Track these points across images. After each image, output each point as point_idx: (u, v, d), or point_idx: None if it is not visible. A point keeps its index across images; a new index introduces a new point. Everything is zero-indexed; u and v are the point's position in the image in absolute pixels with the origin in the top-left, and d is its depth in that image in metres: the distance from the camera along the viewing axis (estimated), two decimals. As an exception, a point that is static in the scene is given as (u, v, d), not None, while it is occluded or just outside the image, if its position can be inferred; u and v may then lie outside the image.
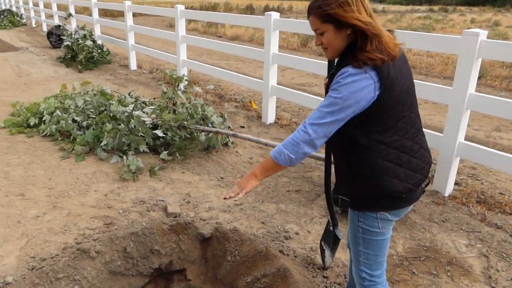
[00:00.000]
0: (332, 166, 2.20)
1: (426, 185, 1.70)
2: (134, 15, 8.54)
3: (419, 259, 2.65)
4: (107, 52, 9.30)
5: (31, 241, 2.69)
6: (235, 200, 1.64)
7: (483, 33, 3.01)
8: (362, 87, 1.44)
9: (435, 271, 2.55)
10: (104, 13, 21.21)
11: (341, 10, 1.46)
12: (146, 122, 3.93)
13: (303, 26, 4.56)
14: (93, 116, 4.50)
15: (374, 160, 1.55)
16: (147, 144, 4.06)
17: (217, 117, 4.46)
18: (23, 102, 5.73)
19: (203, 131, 4.06)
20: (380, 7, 41.36)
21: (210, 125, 4.28)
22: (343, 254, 2.67)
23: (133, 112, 4.06)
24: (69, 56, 8.88)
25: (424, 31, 16.58)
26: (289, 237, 2.84)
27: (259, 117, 5.50)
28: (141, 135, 4.03)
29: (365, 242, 1.69)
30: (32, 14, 16.97)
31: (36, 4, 16.46)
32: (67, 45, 8.75)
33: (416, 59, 10.31)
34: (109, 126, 4.08)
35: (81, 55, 8.45)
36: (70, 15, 11.31)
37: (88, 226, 2.87)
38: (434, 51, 3.76)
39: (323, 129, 1.49)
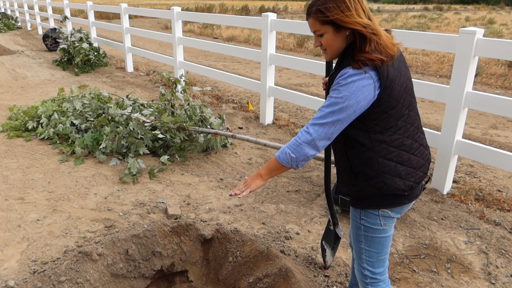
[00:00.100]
0: (333, 166, 2.22)
1: (426, 182, 1.72)
2: (130, 17, 8.51)
3: (419, 257, 2.67)
4: (103, 55, 9.29)
5: (32, 244, 2.69)
6: (238, 198, 1.66)
7: (479, 31, 3.03)
8: (362, 87, 1.45)
9: (435, 269, 2.56)
10: (99, 15, 21.21)
11: (340, 13, 1.47)
12: (146, 125, 3.93)
13: (300, 27, 4.58)
14: (92, 119, 4.50)
15: (375, 159, 1.57)
16: (146, 146, 4.06)
17: (215, 118, 4.47)
18: (20, 105, 5.73)
19: (202, 132, 4.07)
20: (375, 6, 41.48)
21: (208, 126, 4.28)
22: (343, 253, 2.69)
23: (132, 114, 4.06)
24: (65, 59, 8.87)
25: (420, 29, 16.65)
26: (290, 237, 2.85)
27: (257, 118, 5.52)
28: (140, 138, 4.03)
29: (367, 240, 1.70)
30: (27, 17, 16.93)
31: (31, 7, 16.42)
32: (63, 48, 8.74)
33: (412, 58, 10.35)
34: (107, 129, 4.08)
35: (77, 58, 8.44)
36: (65, 18, 11.29)
37: (89, 229, 2.87)
38: (431, 50, 3.78)
39: (324, 129, 1.50)
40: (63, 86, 7.18)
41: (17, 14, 18.60)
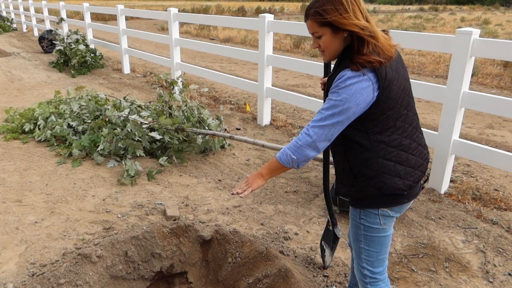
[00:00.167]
0: (331, 167, 2.22)
1: (425, 181, 1.74)
2: (126, 18, 8.51)
3: (418, 256, 2.68)
4: (100, 57, 9.28)
5: (30, 247, 2.68)
6: (240, 197, 1.68)
7: (475, 32, 3.06)
8: (361, 89, 1.46)
9: (434, 268, 2.58)
10: (95, 17, 21.15)
11: (338, 16, 1.48)
12: (143, 126, 3.93)
13: (297, 28, 4.59)
14: (89, 121, 4.49)
15: (374, 159, 1.58)
16: (144, 148, 4.06)
17: (213, 119, 4.47)
18: (17, 107, 5.71)
19: (200, 133, 4.07)
20: (371, 7, 41.61)
21: (206, 127, 4.28)
22: (342, 253, 2.69)
23: (129, 116, 4.06)
24: (62, 60, 8.85)
25: (415, 30, 16.72)
26: (289, 237, 2.85)
27: (254, 119, 5.52)
28: (137, 140, 4.03)
29: (366, 239, 1.71)
30: (23, 19, 16.87)
31: (27, 9, 16.37)
32: (60, 50, 8.71)
33: (408, 58, 10.40)
34: (105, 130, 4.07)
35: (74, 59, 8.42)
36: (62, 19, 11.26)
37: (87, 231, 2.87)
38: (428, 50, 3.80)
39: (324, 131, 1.51)
40: (60, 88, 7.16)
41: (12, 15, 18.53)
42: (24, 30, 16.90)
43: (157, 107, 4.42)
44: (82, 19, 10.35)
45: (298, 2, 49.87)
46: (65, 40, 8.76)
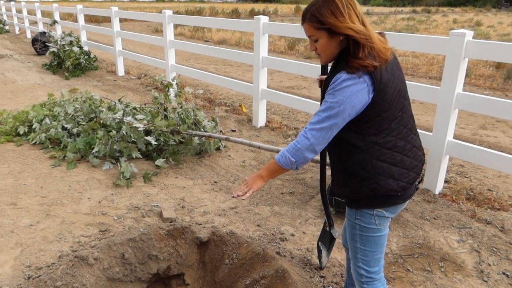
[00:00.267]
0: (328, 168, 2.24)
1: (419, 182, 1.76)
2: (120, 20, 8.49)
3: (413, 256, 2.70)
4: (94, 59, 9.24)
5: (25, 250, 2.67)
6: (242, 199, 1.71)
7: (469, 34, 3.09)
8: (356, 91, 1.48)
9: (429, 268, 2.60)
10: (88, 19, 21.06)
11: (334, 19, 1.50)
12: (139, 129, 3.92)
13: (292, 30, 4.61)
14: (83, 123, 4.47)
15: (369, 160, 1.60)
16: (139, 150, 4.05)
17: (208, 121, 4.47)
18: (10, 110, 5.67)
19: (195, 135, 4.07)
20: (364, 9, 41.85)
21: (202, 129, 4.29)
22: (339, 254, 2.71)
23: (124, 118, 4.05)
24: (55, 63, 8.81)
25: (409, 32, 16.84)
26: (285, 238, 2.86)
27: (249, 121, 5.53)
28: (133, 141, 4.02)
29: (362, 239, 1.73)
30: (16, 21, 16.76)
31: (19, 11, 16.27)
32: (53, 52, 8.67)
33: (402, 60, 10.47)
34: (100, 133, 4.06)
35: (67, 61, 8.38)
36: (55, 21, 11.20)
37: (83, 233, 2.86)
38: (422, 52, 3.84)
39: (322, 134, 1.53)
40: (54, 90, 7.12)
41: (5, 17, 18.41)
42: (17, 32, 16.80)
43: (152, 109, 4.42)
44: (76, 21, 10.29)
45: (292, 4, 50.06)
46: (59, 42, 8.72)
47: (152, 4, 48.96)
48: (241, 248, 2.47)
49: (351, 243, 1.80)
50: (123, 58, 8.80)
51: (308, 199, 3.46)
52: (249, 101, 6.62)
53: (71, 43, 8.70)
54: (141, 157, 4.07)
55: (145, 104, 4.75)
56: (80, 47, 8.86)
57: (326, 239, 2.37)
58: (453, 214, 3.20)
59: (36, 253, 2.63)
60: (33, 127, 4.63)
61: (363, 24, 1.54)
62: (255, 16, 4.96)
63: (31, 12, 16.17)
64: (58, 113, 4.69)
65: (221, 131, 4.72)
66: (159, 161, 3.91)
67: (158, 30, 17.76)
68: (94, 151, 4.04)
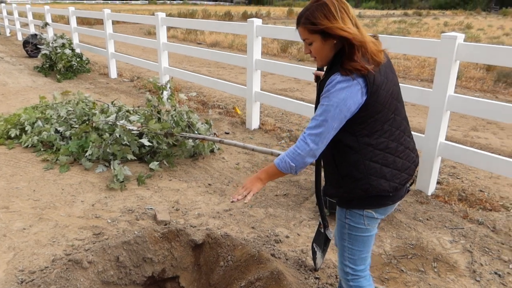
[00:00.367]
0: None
1: (411, 184, 1.78)
2: (112, 23, 8.46)
3: (407, 257, 2.72)
4: (86, 61, 9.20)
5: (18, 254, 2.65)
6: (245, 203, 1.73)
7: (460, 37, 3.13)
8: (351, 93, 1.51)
9: (423, 268, 2.62)
10: (80, 21, 20.96)
11: (327, 22, 1.53)
12: (133, 132, 3.91)
13: (285, 32, 4.63)
14: (76, 126, 4.45)
15: (361, 161, 1.62)
16: (133, 152, 4.04)
17: (202, 124, 4.47)
18: (2, 113, 5.62)
19: (189, 138, 4.07)
20: (356, 11, 42.11)
21: (196, 132, 4.28)
22: (333, 255, 2.72)
23: (117, 121, 4.03)
24: (47, 65, 8.75)
25: (400, 34, 16.98)
26: (280, 240, 2.87)
27: (243, 123, 5.54)
28: (126, 144, 4.00)
29: (350, 238, 1.76)
30: (6, 23, 16.62)
31: (10, 13, 16.13)
32: (45, 54, 8.61)
33: (394, 62, 10.56)
34: (94, 135, 4.04)
35: (59, 64, 8.33)
36: (46, 24, 11.13)
37: (77, 237, 2.84)
38: (414, 55, 3.88)
39: (321, 138, 1.56)
40: (45, 93, 7.07)
41: (-5, 20, 18.24)
42: (8, 34, 16.66)
43: (146, 111, 4.41)
44: (67, 23, 10.23)
45: (284, 7, 50.25)
46: (51, 44, 8.67)
47: (144, 7, 48.85)
48: (236, 250, 2.47)
49: (339, 241, 1.84)
50: (116, 60, 8.77)
51: (302, 201, 3.47)
52: (242, 103, 6.63)
53: (63, 45, 8.65)
54: (135, 159, 4.06)
55: (138, 107, 4.74)
56: (72, 50, 8.82)
57: (321, 241, 2.39)
58: (446, 215, 3.23)
59: (29, 257, 2.61)
60: (26, 129, 4.59)
61: (357, 27, 1.56)
62: (248, 19, 4.97)
63: (22, 14, 16.07)
64: (51, 116, 4.66)
65: (215, 133, 4.72)
66: (153, 164, 3.90)
67: (150, 33, 17.72)
68: (87, 154, 4.02)
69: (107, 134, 4.05)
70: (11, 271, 2.46)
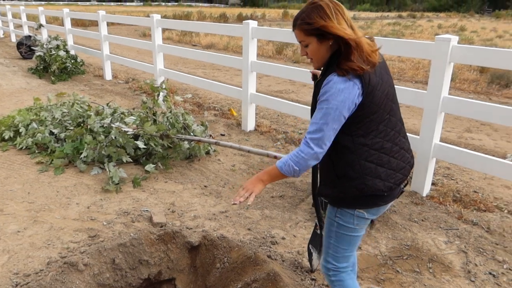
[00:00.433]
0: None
1: (405, 185, 1.80)
2: (107, 24, 8.43)
3: (402, 258, 2.74)
4: (81, 63, 9.16)
5: (13, 257, 2.63)
6: (248, 205, 1.73)
7: (454, 39, 3.16)
8: (348, 94, 1.53)
9: (418, 269, 2.63)
10: (75, 22, 20.88)
11: (322, 23, 1.55)
12: (128, 133, 3.90)
13: (280, 34, 4.64)
14: (71, 128, 4.43)
15: (357, 161, 1.64)
16: (128, 154, 4.02)
17: (197, 125, 4.47)
18: (-4, 115, 5.58)
19: (185, 140, 4.06)
20: (351, 14, 42.32)
21: (191, 133, 4.28)
22: (329, 256, 2.73)
23: (112, 123, 4.02)
24: (42, 67, 8.70)
25: (395, 36, 17.08)
26: (276, 242, 2.87)
27: (238, 125, 5.54)
28: (121, 146, 3.99)
29: (337, 236, 1.78)
30: (0, 24, 16.52)
31: (3, 14, 16.04)
32: (40, 56, 8.57)
33: (388, 64, 10.56)
34: (89, 137, 4.02)
35: (54, 65, 8.29)
36: (41, 25, 11.08)
37: (72, 239, 2.82)
38: (409, 57, 3.91)
39: (323, 142, 1.57)
40: (40, 95, 7.03)
41: (-11, 21, 18.13)
42: (1, 36, 16.56)
43: (141, 113, 4.40)
44: (62, 24, 10.19)
45: (280, 9, 50.39)
46: (45, 46, 8.62)
47: (139, 8, 48.78)
48: (232, 252, 2.47)
49: (325, 238, 1.86)
50: (111, 62, 8.74)
51: (298, 202, 3.48)
52: (237, 105, 6.63)
53: (57, 47, 8.61)
54: (131, 161, 4.04)
55: (133, 109, 4.72)
56: (67, 51, 8.78)
57: (317, 242, 2.39)
58: (441, 216, 3.25)
59: (24, 259, 2.60)
60: (20, 131, 4.56)
61: (352, 29, 1.58)
62: (244, 21, 4.98)
63: (16, 16, 15.97)
64: (45, 118, 4.63)
65: (210, 135, 4.72)
66: (149, 166, 3.89)
67: (145, 34, 17.68)
68: (82, 156, 4.00)
69: (102, 136, 4.03)
70: (6, 274, 2.45)
